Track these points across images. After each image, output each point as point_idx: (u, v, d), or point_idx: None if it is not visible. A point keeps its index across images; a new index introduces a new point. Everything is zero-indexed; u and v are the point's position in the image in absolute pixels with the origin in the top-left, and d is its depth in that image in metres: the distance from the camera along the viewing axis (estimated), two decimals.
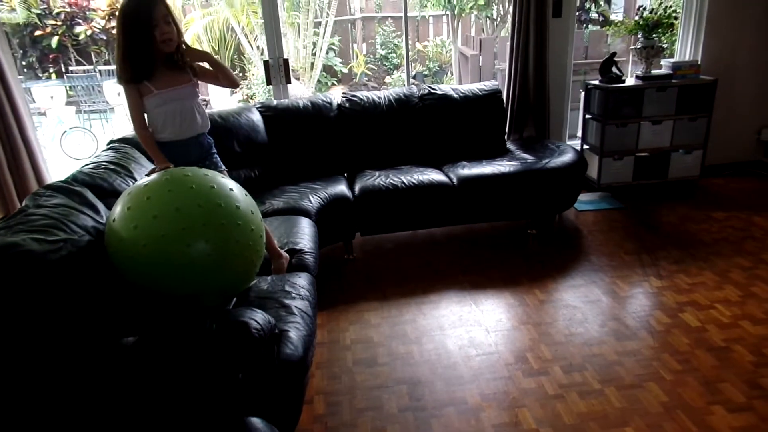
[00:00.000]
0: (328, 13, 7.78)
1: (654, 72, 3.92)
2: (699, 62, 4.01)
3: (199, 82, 2.29)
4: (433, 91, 3.78)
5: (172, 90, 2.16)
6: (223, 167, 2.39)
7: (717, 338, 2.39)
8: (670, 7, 3.85)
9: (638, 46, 3.90)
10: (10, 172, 3.43)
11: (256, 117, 3.44)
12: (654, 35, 3.82)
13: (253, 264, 1.92)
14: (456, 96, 3.76)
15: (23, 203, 1.86)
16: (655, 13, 3.79)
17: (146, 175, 2.00)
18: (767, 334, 2.39)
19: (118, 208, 1.78)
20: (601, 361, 2.28)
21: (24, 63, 8.47)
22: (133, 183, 2.23)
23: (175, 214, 1.70)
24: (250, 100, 7.81)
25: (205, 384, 1.45)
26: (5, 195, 3.45)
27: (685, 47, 4.26)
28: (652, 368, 2.22)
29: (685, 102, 3.87)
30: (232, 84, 2.33)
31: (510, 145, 3.89)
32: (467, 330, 2.56)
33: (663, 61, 4.01)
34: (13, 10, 8.00)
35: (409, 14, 4.22)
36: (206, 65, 2.28)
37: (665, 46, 4.02)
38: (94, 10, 8.32)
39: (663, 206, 3.89)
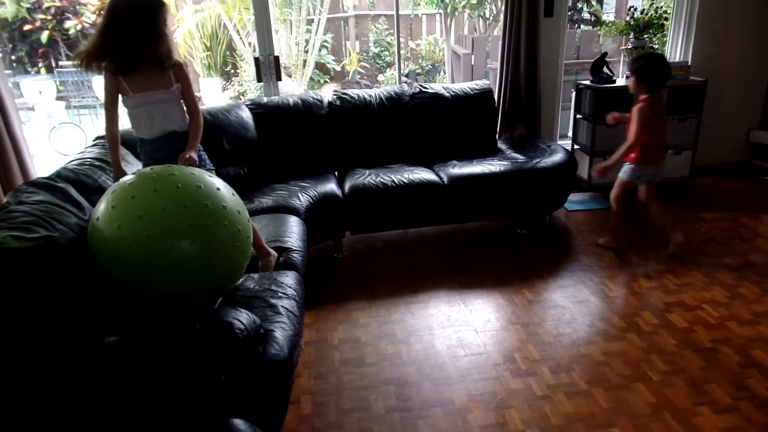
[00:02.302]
0: (320, 11, 7.74)
1: None
2: (689, 63, 4.02)
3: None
4: (424, 89, 3.77)
5: (146, 95, 2.12)
6: (211, 165, 2.36)
7: (704, 339, 2.39)
8: (661, 8, 3.86)
9: (629, 47, 3.91)
10: None
11: (246, 114, 3.41)
12: (645, 36, 3.83)
13: (239, 265, 1.90)
14: (447, 95, 3.75)
15: (5, 200, 1.83)
16: (646, 14, 3.80)
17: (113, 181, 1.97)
18: (754, 336, 2.40)
19: (102, 206, 1.75)
20: (589, 362, 2.28)
21: (13, 57, 8.37)
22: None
23: (161, 215, 1.67)
24: (242, 97, 7.76)
25: (187, 384, 1.43)
26: None
27: (675, 48, 4.27)
28: (639, 369, 2.22)
29: (675, 103, 3.88)
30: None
31: (501, 145, 3.89)
32: (456, 330, 2.55)
33: None
34: (2, 4, 7.90)
35: (402, 12, 4.21)
36: None
37: (656, 46, 4.03)
38: (84, 4, 8.24)
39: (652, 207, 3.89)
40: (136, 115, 2.14)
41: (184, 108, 2.26)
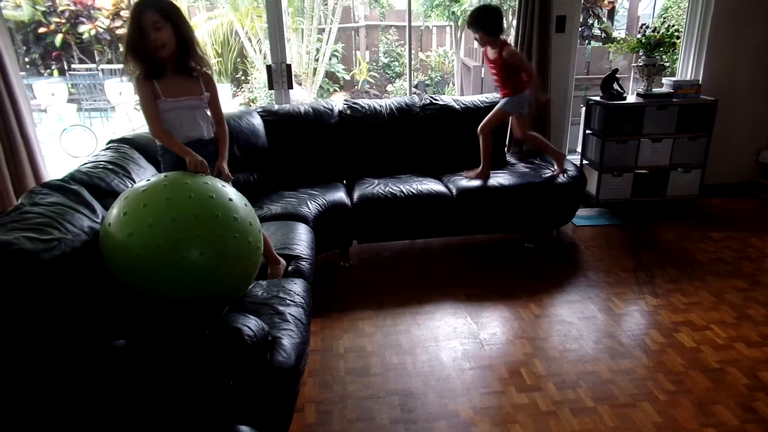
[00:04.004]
0: (332, 20, 7.82)
1: (655, 90, 3.94)
2: (700, 82, 4.02)
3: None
4: (434, 101, 3.79)
5: (177, 100, 2.12)
6: (229, 174, 2.35)
7: (711, 359, 2.38)
8: (673, 26, 3.87)
9: (640, 64, 3.92)
10: (8, 169, 3.41)
11: (257, 121, 3.43)
12: (656, 54, 3.84)
13: (249, 275, 1.91)
14: (457, 107, 3.77)
15: (19, 201, 1.84)
16: (658, 32, 3.81)
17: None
18: (762, 357, 2.38)
19: (114, 212, 1.77)
20: (595, 379, 2.27)
21: (27, 60, 8.47)
22: (132, 184, 2.21)
23: (171, 225, 1.67)
24: (252, 104, 7.82)
25: (195, 390, 1.43)
26: (2, 192, 3.43)
27: (686, 67, 4.28)
28: (646, 388, 2.21)
29: (685, 121, 3.88)
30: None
31: (510, 158, 3.90)
32: (461, 342, 2.54)
33: (664, 80, 4.03)
34: (19, 6, 8.01)
35: (412, 24, 4.23)
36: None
37: (667, 64, 4.04)
38: (98, 9, 8.35)
39: (660, 224, 3.90)
40: (167, 120, 2.15)
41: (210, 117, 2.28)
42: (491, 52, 3.33)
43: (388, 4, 9.48)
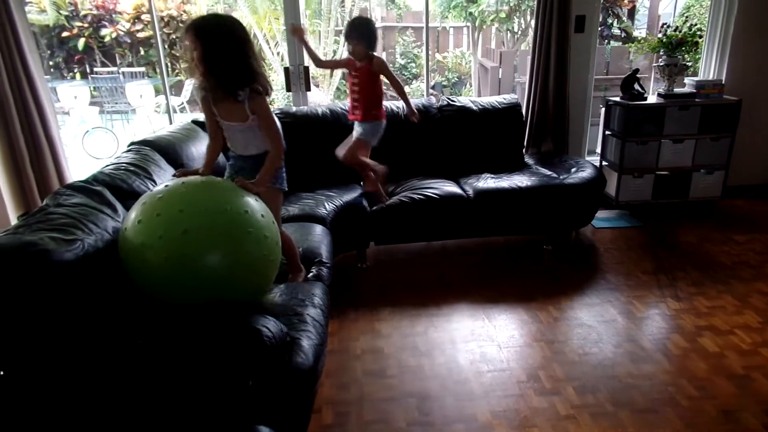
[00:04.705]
0: None
1: (677, 90, 3.88)
2: (723, 82, 3.95)
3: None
4: (452, 102, 3.78)
5: (226, 123, 2.15)
6: (282, 185, 2.31)
7: (736, 365, 2.33)
8: (695, 25, 3.81)
9: (661, 64, 3.86)
10: (32, 170, 3.49)
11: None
12: (678, 53, 3.78)
13: (262, 288, 1.95)
14: (475, 108, 3.75)
15: (44, 201, 1.88)
16: (680, 31, 3.75)
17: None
18: None
19: (131, 217, 1.75)
20: (615, 383, 2.23)
21: (51, 63, 8.65)
22: (153, 185, 2.24)
23: (181, 237, 1.65)
24: (270, 106, 7.87)
25: (214, 390, 1.44)
26: (27, 192, 3.50)
27: (709, 66, 4.20)
28: (668, 393, 2.17)
29: (707, 121, 3.81)
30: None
31: (528, 159, 3.87)
32: (479, 345, 2.53)
33: (686, 80, 3.97)
34: (43, 11, 8.18)
35: (429, 25, 4.22)
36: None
37: (689, 64, 3.98)
38: (119, 13, 8.49)
39: (682, 226, 3.83)
40: (227, 137, 2.21)
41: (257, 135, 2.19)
42: (359, 64, 3.14)
43: (405, 5, 9.48)
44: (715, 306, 2.79)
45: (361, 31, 3.08)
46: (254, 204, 1.86)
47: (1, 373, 1.41)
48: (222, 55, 1.94)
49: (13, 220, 3.48)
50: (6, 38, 3.23)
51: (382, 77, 3.21)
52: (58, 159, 3.56)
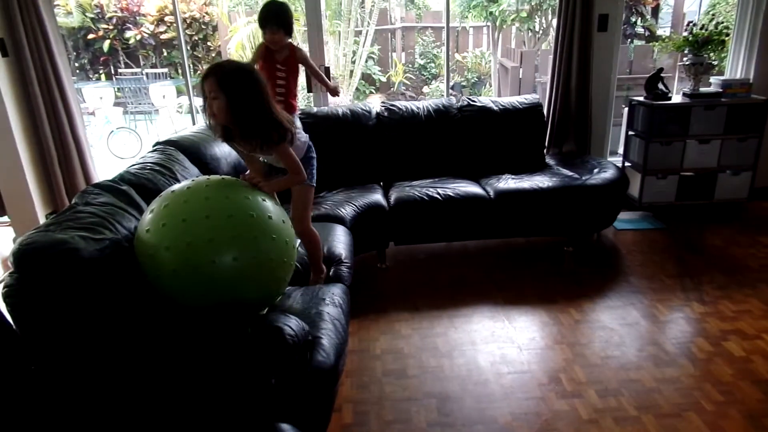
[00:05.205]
0: (369, 23, 7.86)
1: (702, 90, 3.80)
2: (750, 81, 3.87)
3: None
4: (472, 102, 3.76)
5: (249, 153, 2.14)
6: (310, 182, 2.35)
7: (763, 370, 2.28)
8: (722, 23, 3.73)
9: (687, 63, 3.79)
10: (60, 169, 3.57)
11: (296, 123, 3.47)
12: (704, 52, 3.71)
13: (278, 293, 1.93)
14: (495, 108, 3.73)
15: (73, 200, 1.92)
16: (706, 29, 3.68)
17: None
18: None
19: (149, 217, 1.74)
20: (639, 387, 2.20)
21: (77, 65, 8.83)
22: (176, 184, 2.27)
23: (185, 248, 1.63)
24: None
25: (238, 387, 1.46)
26: (55, 191, 3.59)
27: (736, 65, 4.12)
28: (692, 398, 2.13)
29: (734, 121, 3.74)
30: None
31: (549, 160, 3.84)
32: (499, 346, 2.52)
33: (712, 79, 3.89)
34: (70, 13, 8.36)
35: (450, 25, 4.21)
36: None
37: (715, 63, 3.90)
38: (143, 15, 8.63)
39: (707, 228, 3.76)
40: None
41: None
42: (280, 55, 2.93)
43: (425, 5, 9.46)
44: (742, 310, 2.74)
45: (282, 18, 2.82)
46: (272, 208, 1.83)
47: (33, 368, 1.45)
48: (248, 109, 1.86)
49: (41, 219, 3.57)
50: (36, 41, 3.31)
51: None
52: (84, 159, 3.64)
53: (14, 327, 1.45)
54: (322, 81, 3.28)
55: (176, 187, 1.82)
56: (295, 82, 3.06)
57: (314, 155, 2.48)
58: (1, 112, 3.37)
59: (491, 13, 7.55)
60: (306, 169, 2.25)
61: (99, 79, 8.94)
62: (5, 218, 3.72)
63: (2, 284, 1.48)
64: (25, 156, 3.51)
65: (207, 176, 1.92)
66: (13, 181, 3.53)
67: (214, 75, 1.84)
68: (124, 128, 7.12)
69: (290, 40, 2.98)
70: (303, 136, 2.42)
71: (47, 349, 1.45)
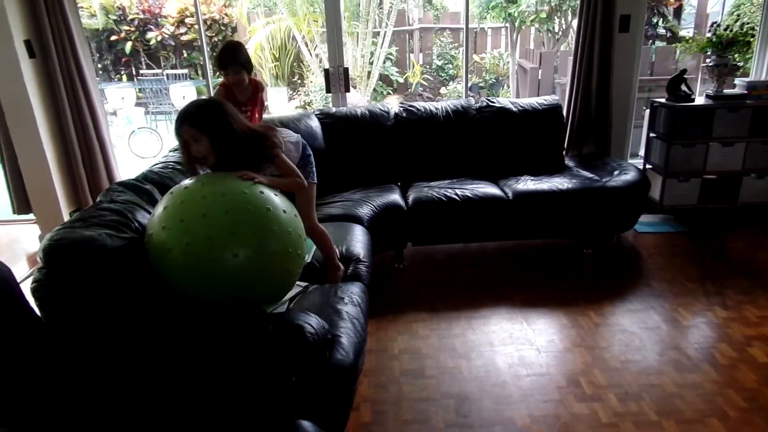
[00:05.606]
0: (387, 24, 7.87)
1: (726, 91, 3.74)
2: None
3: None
4: (491, 103, 3.75)
5: None
6: (312, 178, 2.42)
7: None
8: (748, 23, 3.67)
9: (710, 64, 3.73)
10: (84, 168, 3.64)
11: (315, 123, 3.51)
12: (728, 53, 3.65)
13: (284, 291, 1.93)
14: (515, 109, 3.71)
15: (98, 198, 1.96)
16: (731, 30, 3.62)
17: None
18: None
19: (159, 211, 1.74)
20: (660, 392, 2.18)
21: (100, 66, 8.99)
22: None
23: (186, 250, 1.65)
24: (307, 107, 7.98)
25: (259, 384, 1.48)
26: (78, 189, 3.66)
27: (761, 66, 4.05)
28: (715, 404, 2.10)
29: (759, 124, 3.67)
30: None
31: (568, 162, 3.80)
32: (518, 348, 2.50)
33: (737, 81, 3.82)
34: (93, 15, 8.52)
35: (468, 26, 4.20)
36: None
37: (740, 64, 3.83)
38: (164, 16, 8.76)
39: (730, 232, 3.70)
40: None
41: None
42: (243, 96, 2.81)
43: (443, 6, 9.44)
44: (766, 315, 2.69)
45: (243, 57, 2.72)
46: (277, 200, 1.83)
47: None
48: (230, 136, 1.87)
49: (65, 216, 3.64)
50: (62, 43, 3.38)
51: None
52: (108, 158, 3.71)
53: (43, 320, 1.48)
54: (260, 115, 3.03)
55: (187, 182, 1.83)
56: (260, 113, 2.96)
57: (310, 152, 2.51)
58: (28, 112, 3.45)
59: (510, 14, 7.51)
60: (306, 168, 2.28)
61: (121, 79, 9.08)
62: (30, 215, 3.80)
63: (30, 279, 1.52)
64: (51, 155, 3.59)
65: (217, 172, 1.92)
66: (38, 179, 3.60)
67: (187, 121, 1.85)
68: (145, 128, 7.23)
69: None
70: (293, 137, 2.45)
71: (75, 343, 1.48)
